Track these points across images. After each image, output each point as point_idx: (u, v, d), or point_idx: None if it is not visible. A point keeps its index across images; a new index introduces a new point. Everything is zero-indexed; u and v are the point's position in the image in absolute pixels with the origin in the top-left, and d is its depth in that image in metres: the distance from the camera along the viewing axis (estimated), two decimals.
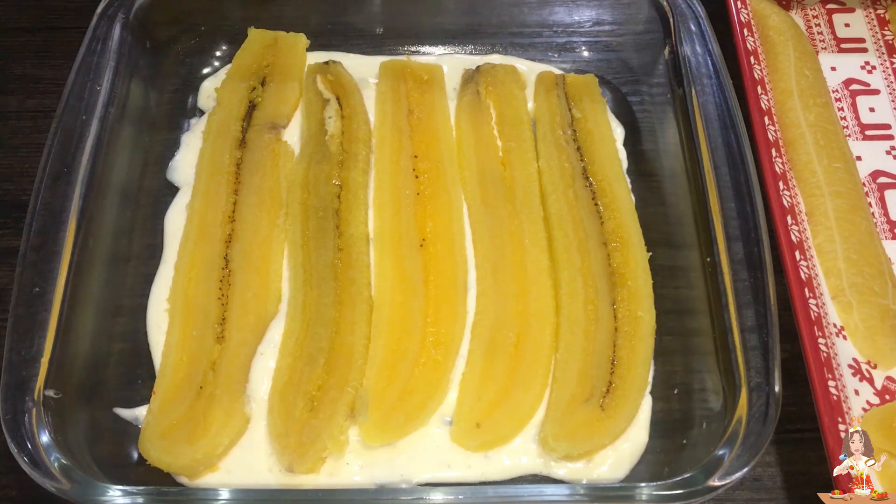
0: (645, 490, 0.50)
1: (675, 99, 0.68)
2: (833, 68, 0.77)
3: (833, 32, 0.80)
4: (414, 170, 0.67)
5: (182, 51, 0.75)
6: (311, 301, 0.60)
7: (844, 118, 0.74)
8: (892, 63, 0.78)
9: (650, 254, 0.63)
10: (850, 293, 0.62)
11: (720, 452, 0.51)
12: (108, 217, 0.63)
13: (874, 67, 0.78)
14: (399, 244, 0.64)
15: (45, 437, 0.50)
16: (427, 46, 0.77)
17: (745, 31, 0.72)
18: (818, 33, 0.80)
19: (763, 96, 0.69)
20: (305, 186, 0.66)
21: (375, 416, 0.56)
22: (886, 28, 0.80)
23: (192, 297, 0.60)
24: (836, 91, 0.76)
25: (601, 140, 0.70)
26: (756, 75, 0.70)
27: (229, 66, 0.73)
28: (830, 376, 0.56)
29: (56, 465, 0.49)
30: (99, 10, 0.68)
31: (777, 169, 0.65)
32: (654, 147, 0.71)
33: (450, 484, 0.54)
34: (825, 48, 0.79)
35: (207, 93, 0.73)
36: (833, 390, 0.56)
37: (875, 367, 0.61)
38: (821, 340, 0.57)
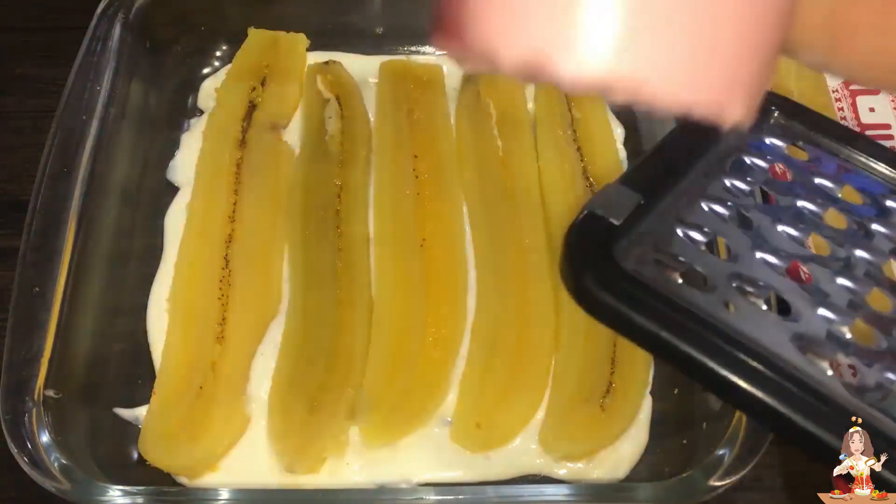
0: (645, 490, 0.50)
1: None
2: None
3: None
4: (414, 170, 0.67)
5: (182, 51, 0.75)
6: (312, 301, 0.60)
7: (844, 118, 0.74)
8: None
9: None
10: None
11: (720, 452, 0.51)
12: (108, 217, 0.63)
13: None
14: (399, 244, 0.64)
15: (45, 437, 0.50)
16: (427, 46, 0.77)
17: None
18: None
19: None
20: (305, 186, 0.66)
21: (376, 416, 0.56)
22: None
23: (193, 297, 0.60)
24: (836, 91, 0.76)
25: (601, 140, 0.70)
26: None
27: (229, 66, 0.73)
28: None
29: (56, 465, 0.49)
30: (99, 10, 0.68)
31: None
32: None
33: (450, 484, 0.54)
34: None
35: (207, 93, 0.73)
36: None
37: None
38: None
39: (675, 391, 0.59)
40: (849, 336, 0.35)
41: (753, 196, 0.41)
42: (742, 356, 0.31)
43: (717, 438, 0.52)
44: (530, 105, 0.73)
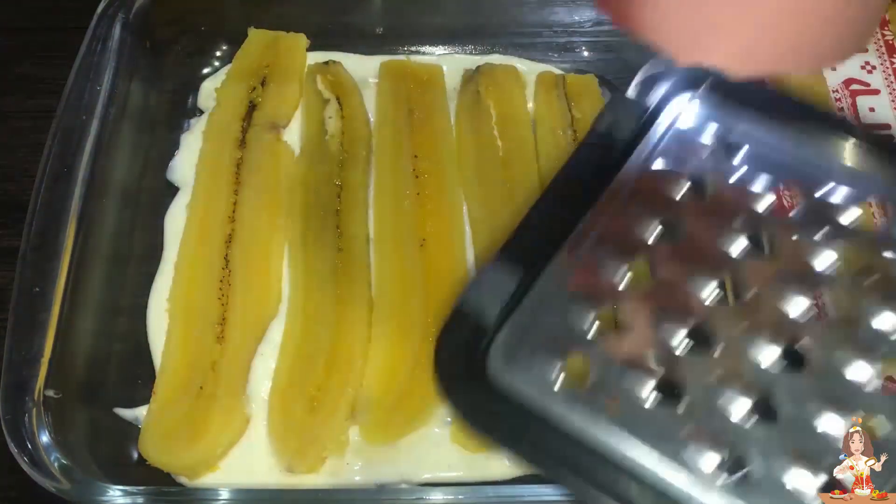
0: None
1: None
2: (833, 68, 0.77)
3: None
4: (414, 170, 0.67)
5: (182, 51, 0.75)
6: (312, 301, 0.60)
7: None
8: (892, 63, 0.78)
9: None
10: None
11: None
12: (108, 217, 0.63)
13: (874, 67, 0.78)
14: (399, 244, 0.64)
15: (45, 437, 0.50)
16: (427, 46, 0.77)
17: None
18: None
19: None
20: (305, 186, 0.66)
21: (376, 415, 0.56)
22: (886, 28, 0.80)
23: (193, 297, 0.60)
24: (837, 91, 0.76)
25: None
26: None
27: (229, 66, 0.73)
28: None
29: (56, 465, 0.50)
30: (99, 10, 0.68)
31: None
32: None
33: (450, 484, 0.54)
34: None
35: (207, 93, 0.73)
36: None
37: None
38: None
39: None
40: (743, 425, 0.31)
41: (676, 215, 0.37)
42: (611, 484, 0.29)
43: None
44: (530, 105, 0.73)
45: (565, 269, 0.35)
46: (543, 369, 0.32)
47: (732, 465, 0.31)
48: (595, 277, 0.34)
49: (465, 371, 0.32)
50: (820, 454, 0.32)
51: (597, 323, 0.34)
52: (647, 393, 0.32)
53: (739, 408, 0.31)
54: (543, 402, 0.31)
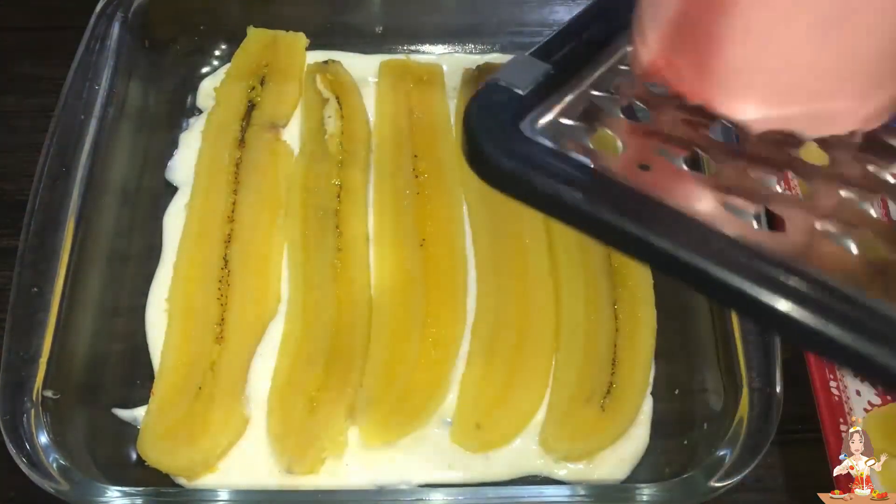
0: (645, 490, 0.50)
1: None
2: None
3: None
4: (414, 169, 0.67)
5: (181, 50, 0.75)
6: (311, 301, 0.60)
7: None
8: None
9: None
10: None
11: (721, 453, 0.51)
12: (107, 217, 0.63)
13: None
14: (399, 244, 0.63)
15: (43, 438, 0.50)
16: (427, 46, 0.77)
17: None
18: None
19: None
20: (305, 186, 0.66)
21: (375, 416, 0.56)
22: None
23: (192, 297, 0.60)
24: None
25: None
26: None
27: (228, 65, 0.73)
28: (832, 377, 0.56)
29: (55, 465, 0.49)
30: (98, 9, 0.68)
31: None
32: None
33: (450, 485, 0.54)
34: None
35: (206, 92, 0.73)
36: (834, 391, 0.56)
37: None
38: None
39: (676, 391, 0.59)
40: (778, 189, 0.32)
41: None
42: (649, 211, 0.30)
43: (718, 439, 0.52)
44: None
45: (606, 63, 0.36)
46: (579, 135, 0.33)
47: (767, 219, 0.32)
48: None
49: (495, 127, 0.32)
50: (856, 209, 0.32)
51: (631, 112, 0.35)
52: (681, 162, 0.33)
53: (772, 180, 0.33)
54: (574, 152, 0.31)
